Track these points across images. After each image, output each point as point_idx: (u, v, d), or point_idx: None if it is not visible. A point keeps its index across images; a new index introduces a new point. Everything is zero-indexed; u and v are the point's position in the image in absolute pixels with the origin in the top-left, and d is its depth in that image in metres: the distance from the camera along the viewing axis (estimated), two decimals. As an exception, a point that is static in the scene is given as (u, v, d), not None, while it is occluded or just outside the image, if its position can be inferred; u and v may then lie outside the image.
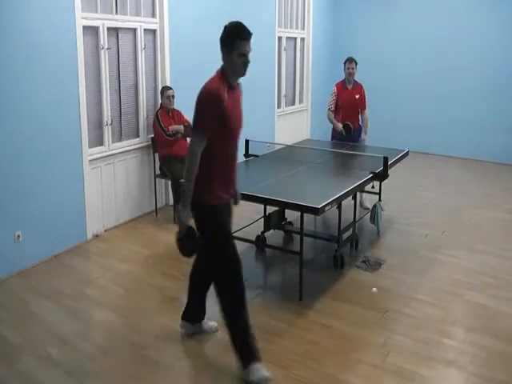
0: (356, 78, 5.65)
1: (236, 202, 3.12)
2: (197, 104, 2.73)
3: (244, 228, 4.55)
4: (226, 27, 2.75)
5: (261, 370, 2.78)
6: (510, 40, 7.67)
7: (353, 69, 5.49)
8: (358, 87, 5.64)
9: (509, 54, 7.70)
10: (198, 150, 2.70)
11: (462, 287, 3.93)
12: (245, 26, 2.75)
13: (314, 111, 8.76)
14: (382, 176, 4.28)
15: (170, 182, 5.36)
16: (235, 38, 2.71)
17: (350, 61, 5.51)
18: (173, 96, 5.25)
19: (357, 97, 5.58)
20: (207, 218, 2.81)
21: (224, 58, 2.77)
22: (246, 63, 2.75)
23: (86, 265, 4.41)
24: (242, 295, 2.86)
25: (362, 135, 5.70)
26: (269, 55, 7.33)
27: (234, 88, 2.81)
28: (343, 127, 5.48)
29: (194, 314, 3.27)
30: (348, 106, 5.56)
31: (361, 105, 5.63)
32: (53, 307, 3.63)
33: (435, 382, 2.89)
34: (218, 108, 2.66)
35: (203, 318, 3.30)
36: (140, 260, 4.39)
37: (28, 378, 2.87)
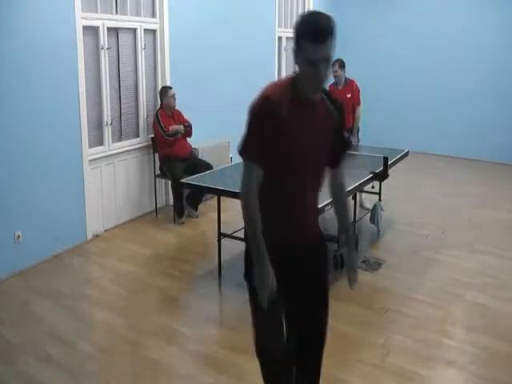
0: (348, 75, 5.63)
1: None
2: (247, 117, 1.91)
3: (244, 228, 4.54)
4: (299, 18, 1.85)
5: None
6: (510, 40, 7.67)
7: (336, 71, 5.47)
8: (349, 85, 5.61)
9: (509, 54, 7.70)
10: (252, 186, 1.90)
11: (462, 287, 3.93)
12: (321, 22, 1.78)
13: (314, 111, 8.74)
14: (382, 176, 4.27)
15: (169, 182, 5.37)
16: (302, 38, 1.80)
17: (333, 63, 5.49)
18: (174, 95, 5.25)
19: (348, 96, 5.55)
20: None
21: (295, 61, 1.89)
22: (319, 74, 1.81)
23: (86, 265, 4.41)
24: None
25: (351, 137, 5.54)
26: (269, 55, 7.32)
27: (310, 104, 1.91)
28: None
29: None
30: None
31: (353, 102, 5.60)
32: (53, 307, 3.63)
33: (435, 382, 2.89)
34: (273, 119, 1.83)
35: None
36: (140, 260, 4.38)
37: (28, 378, 2.87)
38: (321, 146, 1.99)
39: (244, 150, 1.94)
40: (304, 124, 1.90)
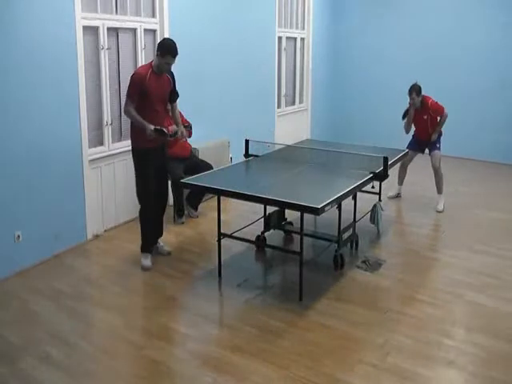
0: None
1: None
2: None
3: (244, 228, 4.55)
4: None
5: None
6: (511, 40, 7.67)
7: (413, 98, 5.64)
8: (425, 106, 5.69)
9: (510, 54, 7.70)
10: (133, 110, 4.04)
11: (462, 287, 3.93)
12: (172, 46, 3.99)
13: (313, 111, 8.76)
14: (382, 176, 4.28)
15: (169, 182, 5.36)
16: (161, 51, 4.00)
17: (411, 91, 5.62)
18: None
19: (425, 117, 5.72)
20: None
21: None
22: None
23: (86, 265, 4.41)
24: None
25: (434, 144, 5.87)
26: (269, 55, 7.32)
27: (160, 76, 4.08)
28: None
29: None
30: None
31: (432, 120, 5.74)
32: (53, 307, 3.63)
33: (435, 382, 2.89)
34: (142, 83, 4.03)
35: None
36: (140, 260, 4.38)
37: (28, 378, 2.87)
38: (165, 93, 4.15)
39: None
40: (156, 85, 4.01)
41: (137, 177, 4.17)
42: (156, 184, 4.24)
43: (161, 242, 4.51)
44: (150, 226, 4.31)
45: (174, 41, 4.03)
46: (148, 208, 4.23)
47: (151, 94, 3.96)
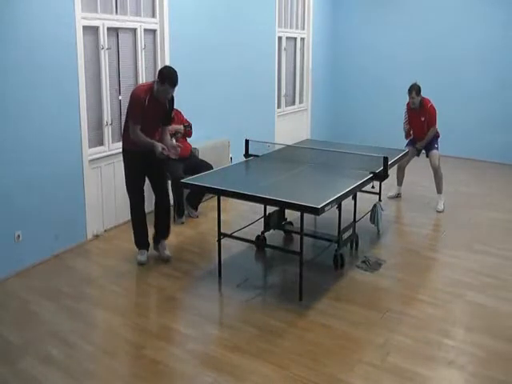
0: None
1: None
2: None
3: (244, 228, 4.55)
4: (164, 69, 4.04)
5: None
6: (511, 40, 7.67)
7: (413, 98, 5.65)
8: (424, 108, 5.71)
9: (510, 54, 7.69)
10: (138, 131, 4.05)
11: (462, 287, 3.93)
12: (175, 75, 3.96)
13: (313, 111, 8.76)
14: (382, 176, 4.28)
15: (169, 182, 5.36)
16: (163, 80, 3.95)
17: (411, 90, 5.63)
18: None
19: (422, 119, 5.74)
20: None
21: None
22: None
23: (86, 265, 4.40)
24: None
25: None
26: (269, 55, 7.32)
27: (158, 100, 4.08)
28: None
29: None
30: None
31: (428, 124, 5.77)
32: (53, 307, 3.63)
33: (435, 382, 2.89)
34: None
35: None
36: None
37: (28, 378, 2.87)
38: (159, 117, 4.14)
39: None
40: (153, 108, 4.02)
41: (124, 176, 4.26)
42: (155, 186, 4.32)
43: (165, 245, 4.44)
44: (139, 223, 4.33)
45: (175, 69, 3.96)
46: (135, 206, 4.28)
47: (146, 116, 3.97)
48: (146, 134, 4.01)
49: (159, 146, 3.96)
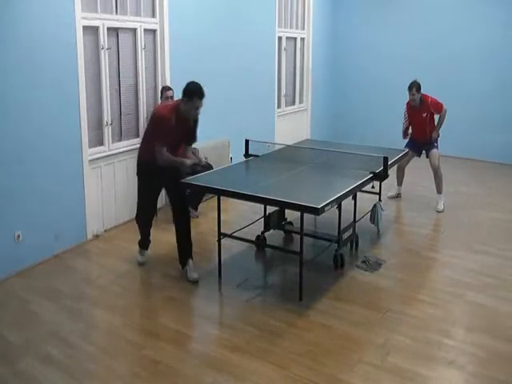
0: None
1: None
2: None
3: (244, 228, 4.55)
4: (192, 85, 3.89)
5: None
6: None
7: (413, 94, 5.62)
8: (425, 104, 5.70)
9: (510, 54, 7.69)
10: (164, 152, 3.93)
11: (462, 287, 3.93)
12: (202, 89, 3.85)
13: (313, 111, 8.76)
14: (382, 176, 4.27)
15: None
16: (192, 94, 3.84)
17: (411, 87, 5.62)
18: (172, 97, 5.23)
19: (424, 115, 5.72)
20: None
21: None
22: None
23: (86, 265, 4.41)
24: None
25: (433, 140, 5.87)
26: (269, 55, 7.32)
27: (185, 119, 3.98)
28: None
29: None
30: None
31: (432, 115, 5.77)
32: (53, 307, 3.63)
33: (435, 382, 2.89)
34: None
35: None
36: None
37: (28, 378, 2.87)
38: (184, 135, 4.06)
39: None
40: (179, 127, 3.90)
41: (137, 191, 4.30)
42: (174, 207, 4.16)
43: (191, 264, 4.11)
44: (144, 225, 4.34)
45: (199, 83, 3.86)
46: (143, 213, 4.31)
47: (171, 136, 3.86)
48: (170, 153, 3.94)
49: (188, 161, 3.97)
